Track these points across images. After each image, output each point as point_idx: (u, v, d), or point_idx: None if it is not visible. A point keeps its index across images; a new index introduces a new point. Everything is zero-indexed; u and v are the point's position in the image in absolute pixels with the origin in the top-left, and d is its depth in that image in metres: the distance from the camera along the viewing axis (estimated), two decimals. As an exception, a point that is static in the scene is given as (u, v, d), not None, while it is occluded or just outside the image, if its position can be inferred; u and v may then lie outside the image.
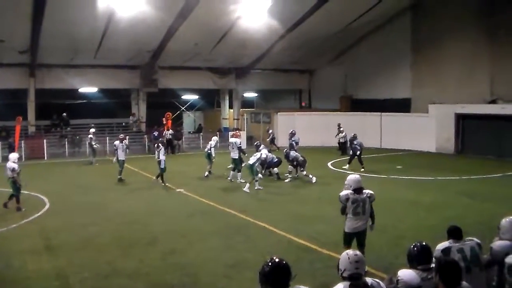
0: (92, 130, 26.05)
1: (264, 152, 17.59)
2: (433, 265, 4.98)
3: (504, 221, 5.93)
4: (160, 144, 18.50)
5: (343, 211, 8.46)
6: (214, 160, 20.11)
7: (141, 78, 32.15)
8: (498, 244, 5.77)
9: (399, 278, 4.78)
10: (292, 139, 22.70)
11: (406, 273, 4.81)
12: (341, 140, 24.82)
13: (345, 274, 4.43)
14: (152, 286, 8.52)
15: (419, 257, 4.86)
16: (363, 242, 8.48)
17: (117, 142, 19.92)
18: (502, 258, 5.40)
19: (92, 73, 30.43)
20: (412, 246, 4.97)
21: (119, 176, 19.40)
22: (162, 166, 18.00)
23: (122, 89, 34.02)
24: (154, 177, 18.71)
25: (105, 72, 30.78)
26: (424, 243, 4.98)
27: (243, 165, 18.84)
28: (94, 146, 25.22)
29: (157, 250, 10.50)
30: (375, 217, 8.58)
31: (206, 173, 19.93)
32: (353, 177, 8.53)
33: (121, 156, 19.66)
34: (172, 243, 11.03)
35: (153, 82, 32.03)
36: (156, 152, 18.18)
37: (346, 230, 8.49)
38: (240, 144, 19.32)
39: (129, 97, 34.46)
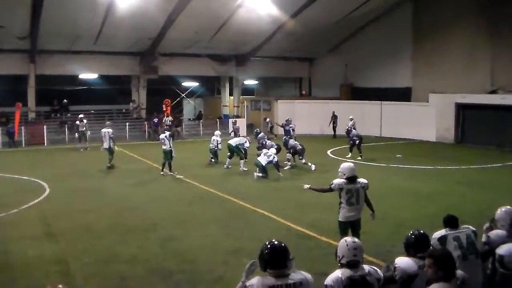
0: (81, 116, 25.88)
1: (273, 152, 17.37)
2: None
3: (500, 211, 5.90)
4: (168, 134, 18.03)
5: (329, 191, 8.35)
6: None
7: (141, 65, 32.08)
8: (495, 233, 5.75)
9: (396, 265, 4.79)
10: (289, 126, 22.72)
11: (403, 261, 4.82)
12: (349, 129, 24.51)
13: (343, 261, 4.44)
14: (151, 272, 8.53)
15: (416, 245, 4.87)
16: (358, 231, 8.38)
17: (104, 130, 19.37)
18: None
19: (92, 59, 30.35)
20: (409, 234, 4.98)
21: (108, 164, 19.17)
22: (174, 155, 17.63)
23: (122, 75, 33.98)
24: (166, 171, 17.75)
25: (106, 58, 30.69)
26: (421, 231, 4.99)
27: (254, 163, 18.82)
28: (82, 131, 25.06)
29: (156, 236, 10.52)
30: (372, 204, 8.52)
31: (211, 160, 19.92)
32: (347, 165, 8.37)
33: (106, 145, 19.08)
34: (171, 229, 11.05)
35: (153, 68, 31.95)
36: (167, 141, 17.45)
37: (340, 219, 8.41)
38: (247, 146, 19.13)
39: (129, 83, 34.39)
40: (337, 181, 8.22)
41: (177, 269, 8.65)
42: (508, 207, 5.93)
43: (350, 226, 8.37)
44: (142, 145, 26.89)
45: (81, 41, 28.17)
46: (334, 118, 30.23)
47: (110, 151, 19.09)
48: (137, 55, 31.73)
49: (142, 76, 32.99)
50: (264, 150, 17.70)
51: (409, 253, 4.91)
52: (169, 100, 31.44)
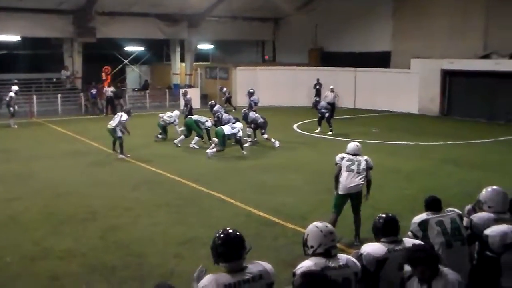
0: (15, 88, 25.20)
1: (240, 127, 17.37)
2: (404, 238, 5.19)
3: (487, 191, 6.01)
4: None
5: (337, 177, 9.18)
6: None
7: (75, 26, 31.26)
8: (479, 216, 5.85)
9: (362, 252, 4.95)
10: (251, 98, 23.08)
11: (370, 246, 5.02)
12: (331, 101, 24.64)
13: (319, 250, 4.49)
14: (89, 268, 8.45)
15: (384, 229, 5.08)
16: (359, 206, 9.24)
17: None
18: (483, 232, 5.54)
19: (14, 19, 29.29)
20: (377, 218, 5.20)
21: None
22: (119, 135, 17.43)
23: (52, 38, 33.11)
24: (118, 153, 17.28)
25: (31, 17, 29.72)
26: (390, 214, 5.21)
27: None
28: (14, 107, 24.43)
29: (95, 227, 10.42)
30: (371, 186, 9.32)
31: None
32: (353, 144, 9.48)
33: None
34: (114, 218, 10.97)
35: (90, 30, 31.22)
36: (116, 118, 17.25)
37: (340, 192, 9.12)
38: (209, 126, 19.07)
39: (61, 48, 33.56)
40: (339, 155, 9.35)
41: (121, 264, 8.60)
42: (496, 187, 6.06)
43: (351, 200, 9.19)
44: (78, 121, 26.46)
45: (0, -4, 27.28)
46: (319, 86, 30.30)
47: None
48: (70, 14, 30.88)
49: (76, 39, 32.18)
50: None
51: (378, 238, 5.11)
52: (110, 68, 30.93)
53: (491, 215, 5.80)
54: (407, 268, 4.59)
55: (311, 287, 3.79)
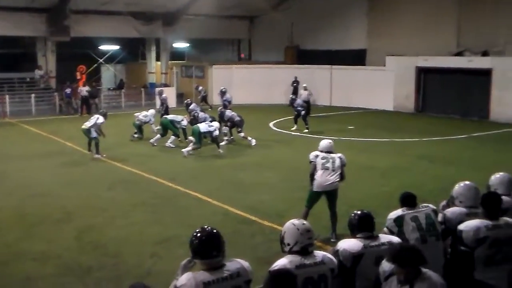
0: None
1: (216, 126, 17.35)
2: (380, 234, 5.26)
3: (459, 186, 6.12)
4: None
5: (312, 175, 9.22)
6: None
7: (48, 24, 30.90)
8: (451, 211, 5.96)
9: (339, 248, 4.99)
10: (224, 98, 23.33)
11: (346, 242, 5.06)
12: (306, 99, 24.67)
13: (296, 248, 4.53)
14: (64, 269, 8.38)
15: (360, 225, 5.13)
16: (334, 203, 9.34)
17: None
18: (456, 227, 5.61)
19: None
20: (352, 215, 5.24)
21: None
22: (94, 135, 17.24)
23: (25, 37, 32.72)
24: (94, 152, 17.09)
25: (3, 15, 29.18)
26: (365, 211, 5.25)
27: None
28: None
29: (70, 228, 10.31)
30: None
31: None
32: (326, 142, 9.58)
33: None
34: (90, 218, 10.88)
35: (64, 29, 30.89)
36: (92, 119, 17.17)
37: (314, 189, 9.20)
38: (184, 125, 19.01)
39: (34, 47, 33.15)
40: (313, 153, 9.40)
41: (97, 264, 8.54)
42: (468, 182, 6.17)
43: (326, 197, 9.29)
44: (53, 121, 26.16)
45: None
46: (296, 83, 30.34)
47: None
48: (43, 12, 30.52)
49: (50, 38, 31.82)
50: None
51: (354, 235, 5.15)
52: (84, 67, 30.64)
53: (463, 209, 5.90)
54: (385, 267, 4.52)
55: (276, 285, 3.87)
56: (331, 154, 9.33)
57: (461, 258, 5.41)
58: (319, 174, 9.13)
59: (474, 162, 15.74)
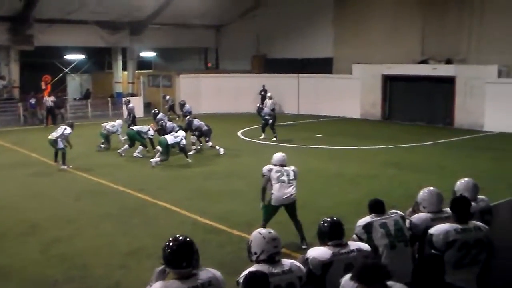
0: None
1: (182, 135, 17.29)
2: (349, 241, 5.27)
3: (423, 192, 6.24)
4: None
5: (264, 189, 9.16)
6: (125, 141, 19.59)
7: (12, 33, 30.41)
8: (417, 217, 6.06)
9: (308, 256, 4.99)
10: (184, 110, 23.70)
11: (316, 250, 5.08)
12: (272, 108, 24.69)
13: (263, 257, 4.56)
14: (29, 283, 8.23)
15: (329, 233, 5.15)
16: (295, 213, 9.30)
17: None
18: (423, 232, 5.73)
19: None
20: (322, 222, 5.26)
21: None
22: (61, 146, 17.00)
23: (-13, 46, 32.18)
24: (60, 163, 16.87)
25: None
26: (334, 218, 5.26)
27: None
28: None
29: (35, 241, 10.15)
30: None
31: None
32: (279, 155, 9.48)
33: None
34: (56, 230, 10.72)
35: (27, 38, 30.46)
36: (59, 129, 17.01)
37: (272, 203, 9.11)
38: (151, 134, 18.88)
39: (-4, 56, 32.65)
40: (266, 166, 9.33)
41: (63, 277, 8.40)
42: (431, 188, 6.29)
43: (286, 210, 9.24)
44: (16, 132, 25.73)
45: None
46: (264, 92, 30.35)
47: None
48: (6, 21, 29.98)
49: (13, 47, 31.31)
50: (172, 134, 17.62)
51: (324, 243, 5.16)
52: (49, 77, 30.23)
53: (428, 215, 6.02)
54: (347, 283, 4.18)
55: (251, 285, 3.93)
56: (285, 167, 9.27)
57: (431, 262, 5.48)
58: (276, 188, 9.06)
59: (440, 168, 15.99)
